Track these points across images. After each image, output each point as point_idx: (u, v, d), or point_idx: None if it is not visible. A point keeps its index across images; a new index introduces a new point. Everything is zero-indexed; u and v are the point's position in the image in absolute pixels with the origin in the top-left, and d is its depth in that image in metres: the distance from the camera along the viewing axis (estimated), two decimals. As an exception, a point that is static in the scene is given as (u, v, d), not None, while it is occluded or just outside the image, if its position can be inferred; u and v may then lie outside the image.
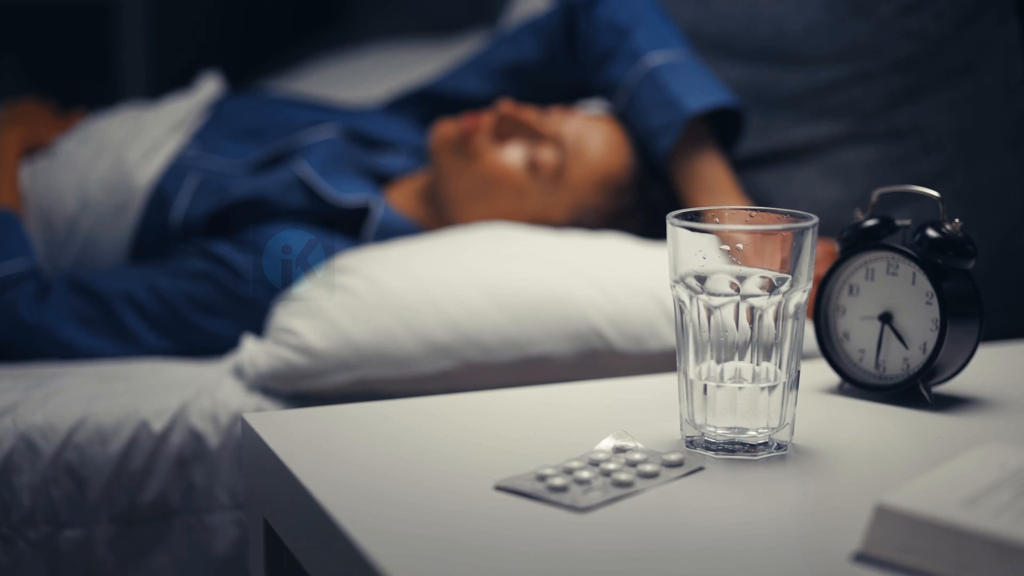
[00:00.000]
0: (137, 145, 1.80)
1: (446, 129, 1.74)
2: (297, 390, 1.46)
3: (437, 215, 1.77)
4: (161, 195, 1.75)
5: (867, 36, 1.70)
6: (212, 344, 1.61)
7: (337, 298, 1.50)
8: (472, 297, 1.48)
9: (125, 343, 1.60)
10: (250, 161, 1.80)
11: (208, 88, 1.96)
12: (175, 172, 1.77)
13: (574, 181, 1.69)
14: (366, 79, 2.36)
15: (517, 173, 1.69)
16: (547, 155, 1.69)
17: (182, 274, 1.63)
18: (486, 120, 1.72)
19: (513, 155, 1.70)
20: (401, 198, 1.79)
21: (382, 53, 2.53)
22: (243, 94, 2.04)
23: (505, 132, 1.71)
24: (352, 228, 1.72)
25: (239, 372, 1.50)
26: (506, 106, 1.71)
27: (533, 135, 1.70)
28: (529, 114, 1.71)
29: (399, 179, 1.83)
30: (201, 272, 1.62)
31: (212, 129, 1.85)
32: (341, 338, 1.46)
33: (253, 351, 1.48)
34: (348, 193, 1.72)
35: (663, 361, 1.47)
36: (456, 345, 1.46)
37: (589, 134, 1.71)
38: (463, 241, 1.59)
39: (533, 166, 1.69)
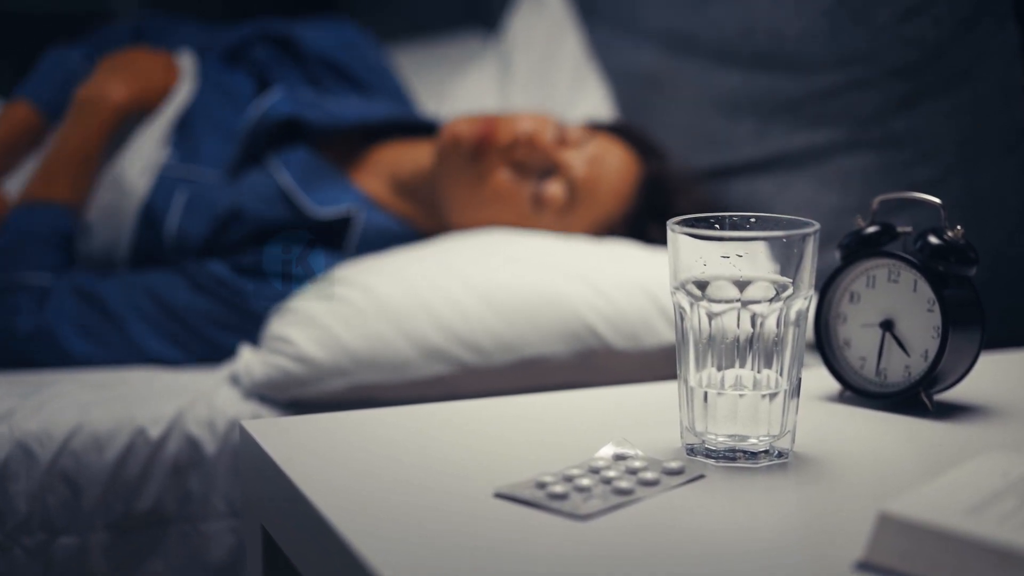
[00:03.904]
0: (133, 161, 1.76)
1: (461, 130, 1.72)
2: (293, 398, 1.46)
3: (425, 209, 1.77)
4: (151, 212, 1.71)
5: (865, 43, 1.70)
6: (223, 355, 1.61)
7: (331, 306, 1.50)
8: (465, 301, 1.48)
9: (128, 352, 1.59)
10: (230, 167, 1.76)
11: (183, 87, 1.87)
12: (162, 187, 1.72)
13: (577, 222, 1.69)
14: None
15: (521, 206, 1.69)
16: (555, 190, 1.68)
17: (189, 288, 1.62)
18: (503, 134, 1.69)
19: (521, 187, 1.69)
20: (378, 184, 1.78)
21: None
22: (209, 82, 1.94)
23: (519, 157, 1.69)
24: (334, 237, 1.71)
25: (235, 381, 1.49)
26: (526, 124, 1.70)
27: (546, 164, 1.69)
28: (546, 141, 1.69)
29: (373, 153, 1.83)
30: (206, 287, 1.62)
31: (188, 132, 1.80)
32: (336, 345, 1.45)
33: (249, 360, 1.48)
34: (327, 206, 1.71)
35: (661, 358, 1.47)
36: (451, 349, 1.46)
37: (603, 171, 1.71)
38: (455, 247, 1.59)
39: (538, 201, 1.68)
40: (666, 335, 1.48)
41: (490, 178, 1.69)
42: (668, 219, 1.71)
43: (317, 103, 1.83)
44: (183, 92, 1.84)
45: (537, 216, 1.68)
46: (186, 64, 1.88)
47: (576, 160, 1.70)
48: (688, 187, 1.76)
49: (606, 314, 1.48)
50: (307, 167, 1.75)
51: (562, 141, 1.70)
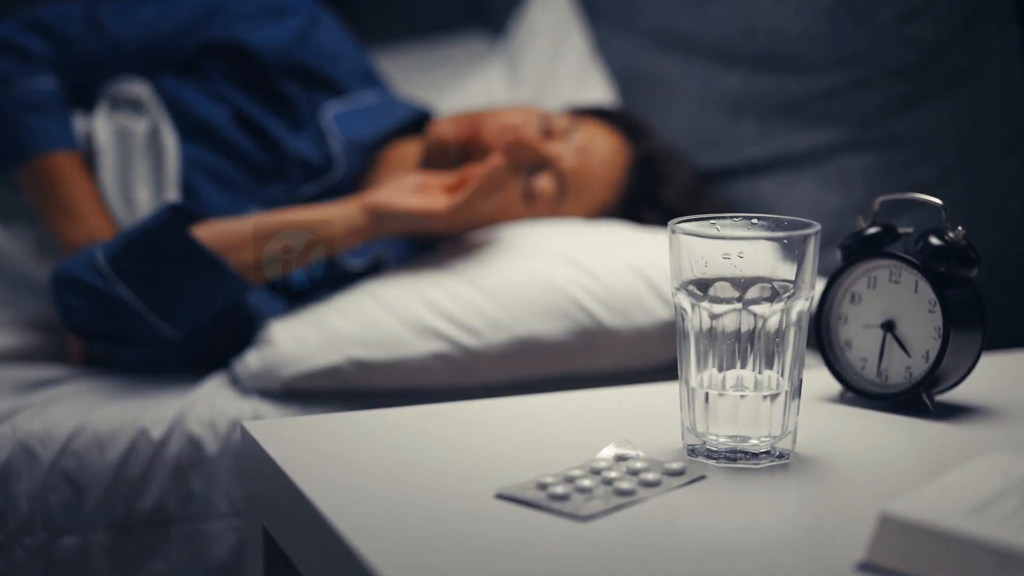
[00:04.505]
0: None
1: (446, 133, 1.68)
2: (288, 380, 1.45)
3: None
4: None
5: (866, 43, 1.69)
6: None
7: (321, 302, 1.54)
8: (453, 284, 1.50)
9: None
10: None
11: (169, 143, 1.67)
12: None
13: (570, 213, 1.68)
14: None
15: (513, 203, 1.66)
16: (545, 184, 1.66)
17: None
18: (489, 135, 1.66)
19: (511, 184, 1.63)
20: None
21: (380, 59, 2.53)
22: (183, 122, 1.72)
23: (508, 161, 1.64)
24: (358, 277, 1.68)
25: (235, 381, 1.50)
26: (510, 132, 1.65)
27: (534, 160, 1.66)
28: (532, 137, 1.66)
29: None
30: None
31: (185, 185, 1.68)
32: (328, 326, 1.48)
33: (247, 359, 1.49)
34: (361, 256, 1.67)
35: (656, 336, 1.48)
36: (443, 327, 1.46)
37: (592, 160, 1.69)
38: (438, 245, 1.61)
39: (530, 196, 1.66)
40: (658, 312, 1.48)
41: None
42: (660, 200, 1.70)
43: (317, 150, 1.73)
44: (170, 142, 1.66)
45: (529, 210, 1.66)
46: (143, 94, 1.70)
47: (564, 152, 1.68)
48: (677, 165, 1.75)
49: (594, 292, 1.49)
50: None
51: (548, 133, 1.69)
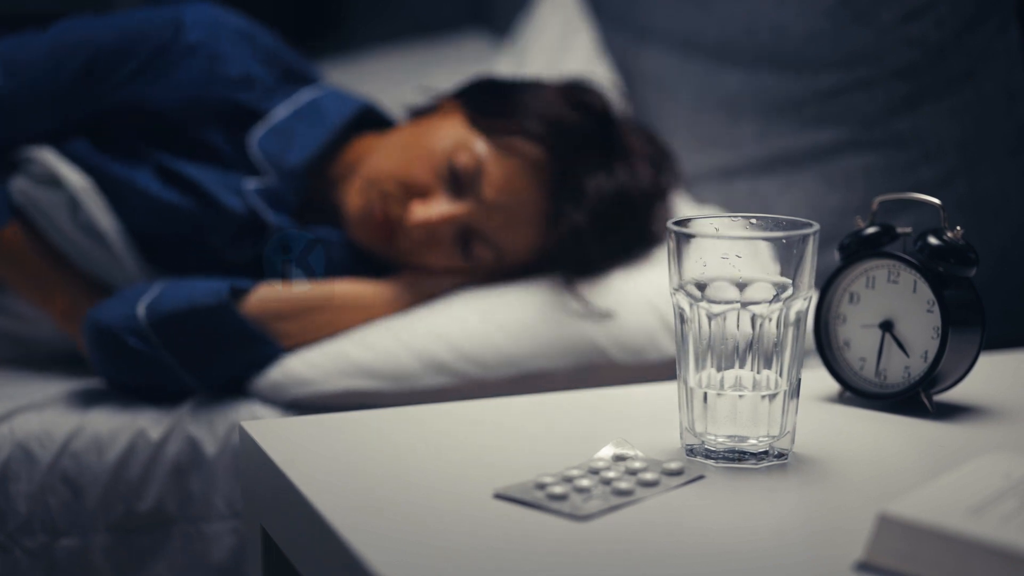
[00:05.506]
0: None
1: (360, 234, 1.57)
2: (294, 398, 1.46)
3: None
4: None
5: (868, 43, 1.69)
6: None
7: None
8: (468, 318, 1.48)
9: None
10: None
11: (103, 222, 1.53)
12: None
13: (515, 252, 1.56)
14: (372, 86, 2.35)
15: (461, 264, 1.56)
16: (479, 253, 1.54)
17: None
18: (402, 238, 1.55)
19: (451, 256, 1.55)
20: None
21: (381, 59, 2.53)
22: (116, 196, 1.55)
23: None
24: None
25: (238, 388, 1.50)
26: (418, 225, 1.52)
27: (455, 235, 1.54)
28: (444, 223, 1.52)
29: None
30: None
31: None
32: (338, 353, 1.47)
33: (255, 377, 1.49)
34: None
35: (662, 371, 1.47)
36: (454, 362, 1.46)
37: (508, 205, 1.53)
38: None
39: (473, 260, 1.55)
40: (669, 349, 1.48)
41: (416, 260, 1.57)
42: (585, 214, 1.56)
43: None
44: (103, 219, 1.52)
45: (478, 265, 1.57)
46: (53, 163, 1.52)
47: (476, 210, 1.52)
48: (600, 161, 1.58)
49: (613, 333, 1.48)
50: (336, 258, 1.60)
51: (458, 184, 1.52)
